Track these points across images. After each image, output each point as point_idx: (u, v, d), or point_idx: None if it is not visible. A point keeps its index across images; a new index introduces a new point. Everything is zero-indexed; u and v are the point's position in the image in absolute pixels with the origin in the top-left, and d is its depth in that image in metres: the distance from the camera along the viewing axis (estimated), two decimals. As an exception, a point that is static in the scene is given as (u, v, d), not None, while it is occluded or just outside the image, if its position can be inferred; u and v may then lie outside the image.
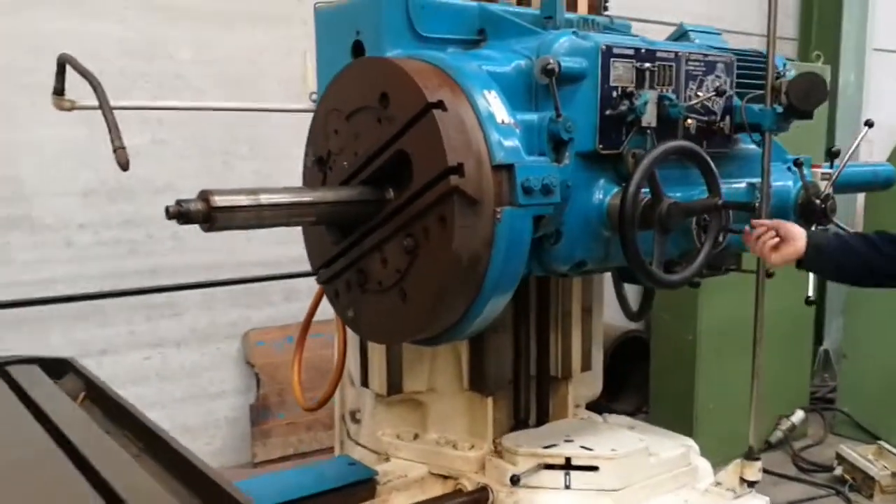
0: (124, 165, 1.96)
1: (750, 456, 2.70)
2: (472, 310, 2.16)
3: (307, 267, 4.04)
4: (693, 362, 5.08)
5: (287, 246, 4.39)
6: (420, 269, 2.10)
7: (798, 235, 2.34)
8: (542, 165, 2.09)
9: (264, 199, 1.99)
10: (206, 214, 1.89)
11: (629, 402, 5.76)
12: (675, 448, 2.78)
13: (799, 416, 5.53)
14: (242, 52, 4.33)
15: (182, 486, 1.44)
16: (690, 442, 2.88)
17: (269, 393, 4.58)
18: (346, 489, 2.61)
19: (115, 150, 1.98)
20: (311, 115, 2.59)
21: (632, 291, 3.08)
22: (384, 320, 2.26)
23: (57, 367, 2.06)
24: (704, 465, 2.86)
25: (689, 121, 2.37)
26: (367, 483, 2.65)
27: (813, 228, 2.66)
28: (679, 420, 4.65)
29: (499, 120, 2.05)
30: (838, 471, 4.96)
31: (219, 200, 1.90)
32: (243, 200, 1.95)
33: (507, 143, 2.04)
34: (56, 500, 1.35)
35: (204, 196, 1.89)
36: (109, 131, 2.01)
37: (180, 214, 1.87)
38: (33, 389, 1.87)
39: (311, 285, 3.05)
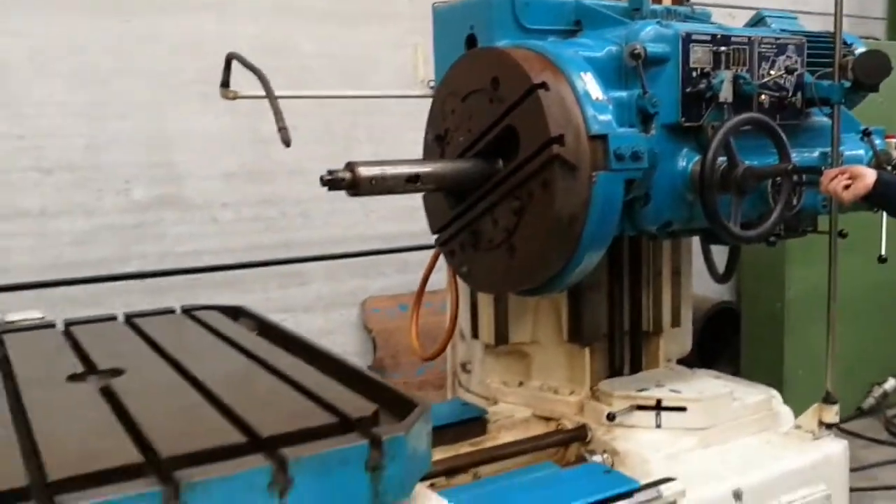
0: (287, 142, 2.34)
1: (828, 400, 2.86)
2: (570, 263, 2.41)
3: (417, 242, 4.44)
4: (781, 330, 5.20)
5: (399, 223, 4.75)
6: (526, 227, 2.37)
7: (867, 173, 2.49)
8: (631, 136, 2.35)
9: (399, 169, 2.36)
10: (353, 182, 2.24)
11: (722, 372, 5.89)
12: (758, 395, 2.96)
13: (891, 383, 5.57)
14: (359, 47, 4.69)
15: (356, 390, 1.73)
16: (774, 392, 3.03)
17: (384, 356, 4.97)
18: (459, 425, 2.85)
19: (279, 130, 2.35)
20: (422, 101, 2.89)
21: (719, 259, 3.31)
22: (494, 274, 2.55)
23: (233, 312, 2.47)
24: (786, 411, 3.02)
25: (763, 96, 2.60)
26: (478, 421, 2.90)
27: None
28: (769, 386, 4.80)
29: (594, 97, 2.32)
30: (929, 435, 5.04)
31: (362, 170, 2.25)
32: (381, 170, 2.31)
33: (602, 117, 2.31)
34: (272, 400, 1.68)
35: (350, 167, 2.25)
36: (275, 115, 2.38)
37: (332, 182, 2.22)
38: (219, 327, 2.27)
39: (421, 258, 3.35)
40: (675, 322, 3.17)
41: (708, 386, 2.91)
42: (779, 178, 2.63)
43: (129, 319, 2.33)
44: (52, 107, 4.01)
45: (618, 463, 2.69)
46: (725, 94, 2.51)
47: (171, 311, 2.45)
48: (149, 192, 4.25)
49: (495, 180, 2.46)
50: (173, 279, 4.28)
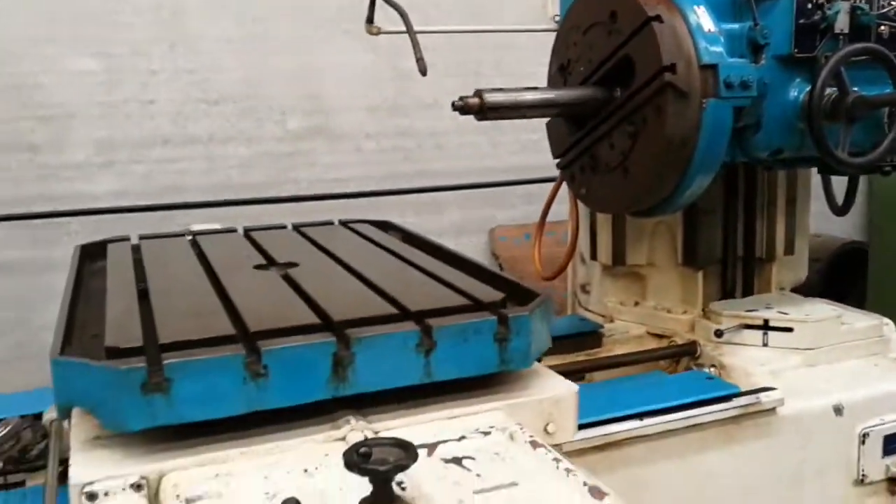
0: (424, 72, 2.62)
1: (941, 327, 2.85)
2: (681, 185, 2.56)
3: (541, 174, 4.66)
4: (910, 269, 5.10)
5: (524, 155, 5.00)
6: (640, 150, 2.54)
7: None
8: (741, 65, 2.47)
9: (522, 95, 2.60)
10: (480, 107, 2.49)
11: (848, 311, 5.79)
12: (868, 320, 3.00)
13: None
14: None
15: (488, 284, 2.03)
16: (886, 319, 3.05)
17: (509, 280, 5.30)
18: (577, 337, 3.07)
19: (417, 61, 2.64)
20: (547, 37, 3.09)
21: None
22: (611, 195, 2.73)
23: (382, 225, 2.83)
24: (898, 339, 3.01)
25: (882, 27, 2.63)
26: (594, 334, 3.11)
27: None
28: None
29: (706, 29, 2.45)
30: None
31: (489, 96, 2.50)
32: (507, 96, 2.55)
33: (713, 48, 2.44)
34: (418, 287, 1.99)
35: (478, 93, 2.50)
36: (413, 47, 2.66)
37: (462, 108, 2.47)
38: (371, 236, 2.64)
39: (545, 190, 3.53)
40: (789, 251, 3.25)
41: (817, 309, 2.98)
42: (893, 108, 2.67)
43: (297, 228, 2.74)
44: (219, 43, 4.46)
45: (724, 375, 2.82)
46: (841, 25, 2.56)
47: (331, 223, 2.84)
48: (301, 122, 4.66)
49: (612, 107, 2.63)
50: (320, 203, 4.68)
